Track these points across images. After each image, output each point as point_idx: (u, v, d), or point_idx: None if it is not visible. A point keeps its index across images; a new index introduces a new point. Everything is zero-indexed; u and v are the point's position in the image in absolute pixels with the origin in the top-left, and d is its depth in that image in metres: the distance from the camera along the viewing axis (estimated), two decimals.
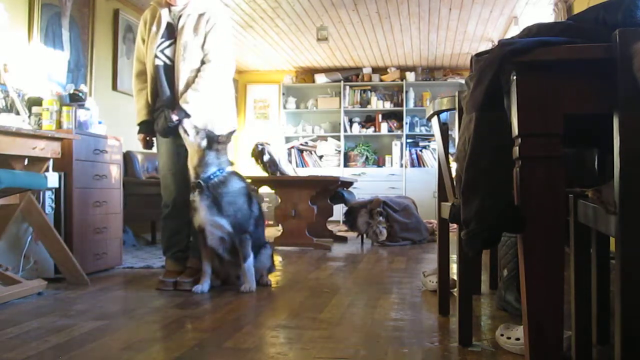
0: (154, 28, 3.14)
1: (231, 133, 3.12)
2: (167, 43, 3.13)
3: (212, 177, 3.00)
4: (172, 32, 3.13)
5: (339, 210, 6.75)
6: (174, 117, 3.05)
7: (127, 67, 5.33)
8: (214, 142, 3.03)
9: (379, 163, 8.42)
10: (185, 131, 2.99)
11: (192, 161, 3.03)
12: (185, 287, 3.06)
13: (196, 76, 3.09)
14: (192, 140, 2.99)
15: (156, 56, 3.11)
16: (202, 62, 3.11)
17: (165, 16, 3.14)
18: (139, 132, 3.29)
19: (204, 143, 3.01)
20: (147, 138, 3.29)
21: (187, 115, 3.05)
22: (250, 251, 3.08)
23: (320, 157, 8.43)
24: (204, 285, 3.03)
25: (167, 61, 3.12)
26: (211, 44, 3.13)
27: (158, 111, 3.16)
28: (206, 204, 2.97)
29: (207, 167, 3.00)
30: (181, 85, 3.08)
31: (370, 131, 8.40)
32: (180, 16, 3.12)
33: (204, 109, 3.10)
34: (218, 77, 3.14)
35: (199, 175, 2.99)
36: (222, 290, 3.09)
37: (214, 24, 3.14)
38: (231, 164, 3.15)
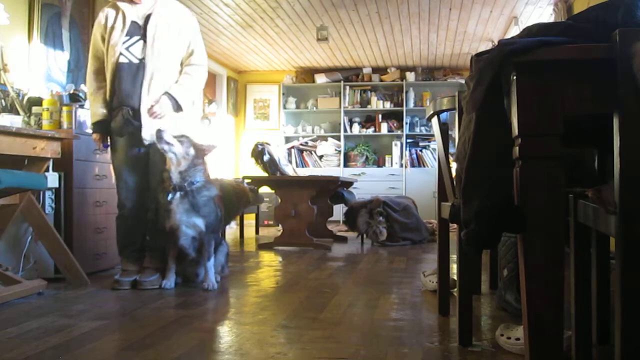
0: (118, 25, 3.10)
1: (213, 147, 3.20)
2: (133, 41, 3.09)
3: (194, 182, 3.08)
4: (137, 30, 3.10)
5: (339, 210, 6.75)
6: (158, 110, 3.05)
7: None
8: (202, 152, 3.11)
9: (379, 163, 8.42)
10: (168, 143, 3.00)
11: (178, 166, 3.05)
12: (145, 287, 3.08)
13: (182, 72, 3.14)
14: (179, 151, 3.03)
15: (121, 54, 3.07)
16: (183, 64, 3.16)
17: (129, 14, 3.11)
18: (95, 131, 3.22)
19: (192, 151, 3.06)
20: (104, 138, 3.24)
21: (177, 105, 3.10)
22: (213, 251, 3.19)
23: (320, 157, 8.42)
24: (171, 281, 3.13)
25: (133, 59, 3.08)
26: (198, 47, 3.19)
27: (116, 110, 3.12)
28: (185, 207, 3.05)
29: (195, 174, 3.08)
30: (155, 83, 3.07)
31: (370, 131, 8.39)
32: (149, 15, 3.10)
33: (185, 105, 3.15)
34: (203, 80, 3.23)
35: (185, 179, 3.05)
36: (222, 291, 3.10)
37: (195, 28, 3.20)
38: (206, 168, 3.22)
